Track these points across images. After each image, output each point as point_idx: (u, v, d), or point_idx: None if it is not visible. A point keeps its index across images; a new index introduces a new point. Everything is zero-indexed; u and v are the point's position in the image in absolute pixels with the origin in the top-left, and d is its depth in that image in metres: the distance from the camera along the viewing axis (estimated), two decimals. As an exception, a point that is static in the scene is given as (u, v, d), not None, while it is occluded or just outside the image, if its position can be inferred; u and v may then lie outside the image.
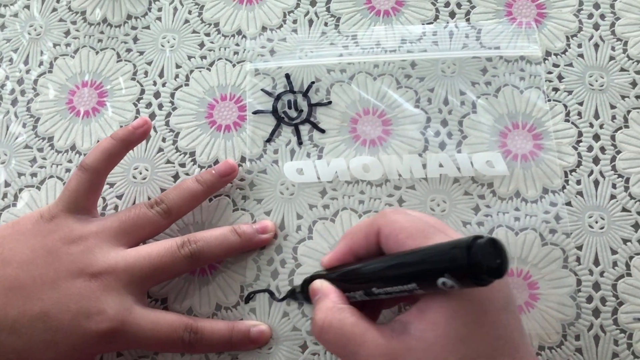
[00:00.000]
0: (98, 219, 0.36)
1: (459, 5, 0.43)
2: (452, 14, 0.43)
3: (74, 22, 0.45)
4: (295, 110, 0.41)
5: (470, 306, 0.27)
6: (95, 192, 0.37)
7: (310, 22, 0.44)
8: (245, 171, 0.40)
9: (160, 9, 0.44)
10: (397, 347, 0.27)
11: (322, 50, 0.43)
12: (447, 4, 0.43)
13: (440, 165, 0.39)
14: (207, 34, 0.44)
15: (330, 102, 0.41)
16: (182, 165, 0.41)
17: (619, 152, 0.40)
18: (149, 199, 0.40)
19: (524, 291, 0.37)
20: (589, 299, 0.37)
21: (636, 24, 0.42)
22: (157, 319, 0.34)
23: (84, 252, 0.34)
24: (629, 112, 0.40)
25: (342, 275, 0.33)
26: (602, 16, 0.43)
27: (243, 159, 0.41)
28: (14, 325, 0.32)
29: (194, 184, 0.38)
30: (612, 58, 0.42)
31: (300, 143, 0.40)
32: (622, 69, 0.41)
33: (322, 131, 0.41)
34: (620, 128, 0.40)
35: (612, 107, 0.41)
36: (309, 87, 0.41)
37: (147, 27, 0.44)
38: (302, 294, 0.36)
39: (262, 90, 0.42)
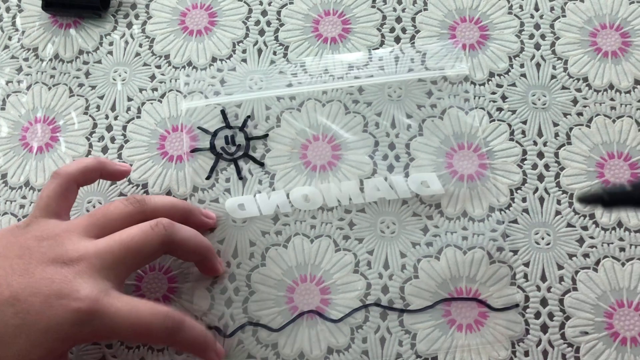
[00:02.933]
0: (70, 220, 0.36)
1: (404, 30, 0.44)
2: (398, 39, 0.44)
3: (26, 59, 0.45)
4: (233, 146, 0.42)
5: None
6: (67, 199, 0.37)
7: (259, 51, 0.44)
8: (198, 201, 0.41)
9: (111, 44, 0.45)
10: None
11: (271, 79, 0.43)
12: (392, 29, 0.44)
13: (377, 189, 0.40)
14: (158, 66, 0.44)
15: (267, 135, 0.42)
16: (135, 197, 0.41)
17: (562, 169, 0.41)
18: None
19: (473, 309, 0.38)
20: (537, 315, 0.38)
21: (575, 43, 0.43)
22: (136, 303, 0.33)
23: (55, 244, 0.33)
24: (571, 129, 0.41)
25: None
26: (543, 36, 0.44)
27: (195, 189, 0.41)
28: None
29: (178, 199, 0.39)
30: (553, 77, 0.43)
31: (240, 178, 0.41)
32: (563, 87, 0.42)
33: (262, 164, 0.41)
34: (563, 145, 0.41)
35: (555, 124, 0.42)
36: (245, 121, 0.42)
37: (99, 62, 0.45)
38: None
39: (198, 128, 0.42)
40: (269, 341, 0.38)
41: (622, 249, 0.39)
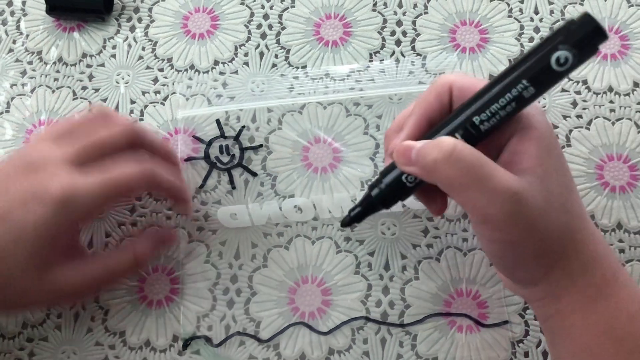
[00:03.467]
0: None
1: (404, 34, 0.45)
2: (398, 42, 0.44)
3: (30, 62, 0.46)
4: (227, 155, 0.42)
5: (553, 143, 0.31)
6: None
7: (261, 54, 0.45)
8: (200, 202, 0.41)
9: (114, 47, 0.46)
10: (522, 182, 0.29)
11: (273, 82, 0.44)
12: (393, 33, 0.45)
13: None
14: (161, 69, 0.45)
15: (260, 146, 0.42)
16: (138, 198, 0.42)
17: (562, 171, 0.41)
18: (106, 233, 0.41)
19: (473, 310, 0.38)
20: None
21: (575, 46, 0.44)
22: (106, 171, 0.34)
23: (25, 160, 0.34)
24: (570, 131, 0.42)
25: (432, 132, 0.32)
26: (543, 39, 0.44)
27: (198, 191, 0.41)
28: None
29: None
30: (553, 79, 0.43)
31: (233, 187, 0.41)
32: (563, 90, 0.43)
33: (254, 174, 0.42)
34: (562, 147, 0.41)
35: (555, 127, 0.42)
36: (240, 131, 0.42)
37: (102, 65, 0.45)
38: (381, 190, 0.33)
39: (193, 137, 0.43)
40: (270, 342, 0.38)
41: (622, 251, 0.39)
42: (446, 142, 0.29)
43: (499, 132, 0.30)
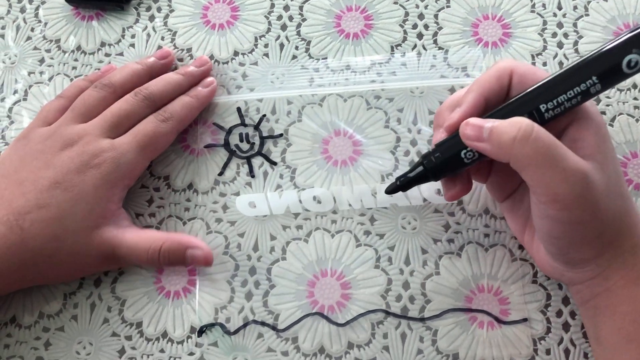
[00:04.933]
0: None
1: (426, 27, 0.44)
2: (420, 36, 0.44)
3: (48, 50, 0.45)
4: (247, 143, 0.42)
5: (607, 132, 0.33)
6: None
7: (282, 46, 0.44)
8: (219, 194, 0.41)
9: (133, 36, 0.45)
10: (589, 165, 0.31)
11: (293, 74, 0.43)
12: (414, 26, 0.44)
13: (390, 195, 0.39)
14: (180, 59, 0.44)
15: (281, 135, 0.42)
16: (157, 189, 0.41)
17: (585, 167, 0.40)
18: (123, 223, 0.40)
19: (495, 307, 0.38)
20: (559, 313, 0.38)
21: (598, 42, 0.43)
22: (130, 131, 0.39)
23: (57, 137, 0.38)
24: (593, 127, 0.41)
25: (493, 112, 0.33)
26: (566, 35, 0.44)
27: (217, 182, 0.41)
28: (38, 201, 0.36)
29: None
30: (576, 75, 0.42)
31: (252, 176, 0.41)
32: (586, 86, 0.42)
33: (274, 163, 0.41)
34: (585, 144, 0.41)
35: (578, 123, 0.41)
36: (260, 120, 0.42)
37: (121, 54, 0.45)
38: (436, 162, 0.34)
39: (214, 124, 0.42)
40: (289, 335, 0.38)
41: (645, 249, 0.38)
42: (526, 122, 0.30)
43: (555, 121, 0.32)
